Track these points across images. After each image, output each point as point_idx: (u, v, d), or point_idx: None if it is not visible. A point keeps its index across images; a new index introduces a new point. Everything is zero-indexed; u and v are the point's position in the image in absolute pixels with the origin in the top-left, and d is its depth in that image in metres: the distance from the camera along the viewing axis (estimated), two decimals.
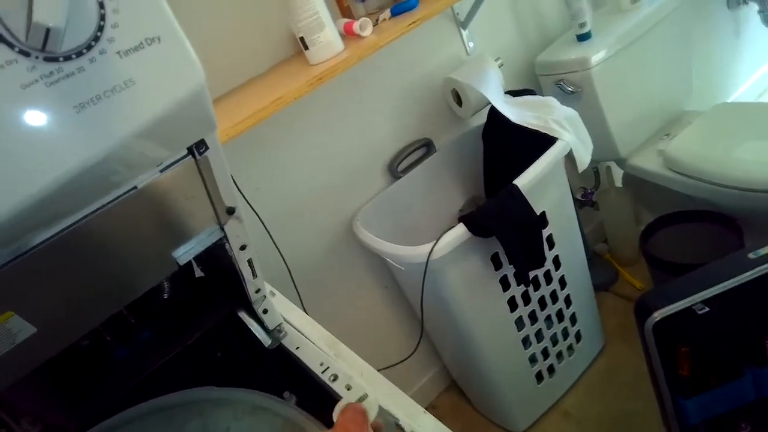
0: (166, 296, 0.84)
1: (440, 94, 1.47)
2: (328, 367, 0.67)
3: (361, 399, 0.57)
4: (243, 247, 0.61)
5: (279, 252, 1.12)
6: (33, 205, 0.31)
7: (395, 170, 1.43)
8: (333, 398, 0.67)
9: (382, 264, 1.46)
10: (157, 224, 0.49)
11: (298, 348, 0.73)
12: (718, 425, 1.07)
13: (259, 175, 1.22)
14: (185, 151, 0.44)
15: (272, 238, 1.09)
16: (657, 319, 0.94)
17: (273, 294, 0.89)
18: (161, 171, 0.42)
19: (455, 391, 1.72)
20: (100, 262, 0.47)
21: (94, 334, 0.72)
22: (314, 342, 0.75)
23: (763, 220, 1.36)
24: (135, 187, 0.41)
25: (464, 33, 1.46)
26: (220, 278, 0.78)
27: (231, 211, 0.54)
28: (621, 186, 1.81)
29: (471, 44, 1.49)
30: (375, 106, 1.37)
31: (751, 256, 0.94)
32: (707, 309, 0.92)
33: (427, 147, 1.48)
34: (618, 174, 1.81)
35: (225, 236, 0.57)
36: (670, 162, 1.48)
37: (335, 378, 0.65)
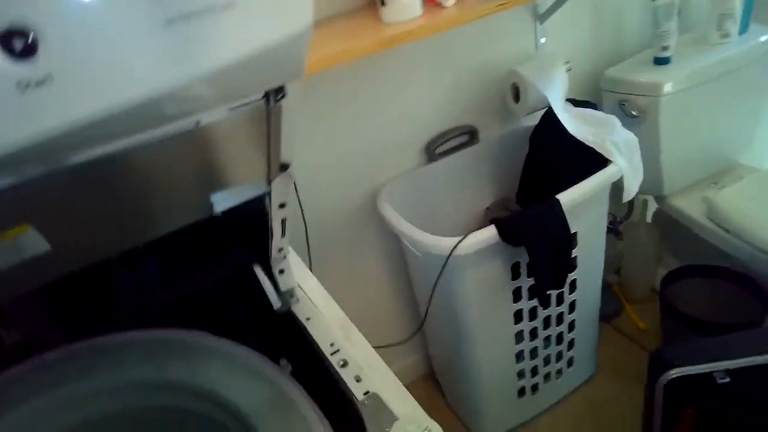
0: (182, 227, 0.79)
1: (498, 85, 1.39)
2: (338, 350, 0.63)
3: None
4: (282, 205, 0.56)
5: (301, 210, 1.07)
6: (91, 123, 0.25)
7: (432, 152, 1.37)
8: (333, 379, 0.63)
9: (395, 242, 1.42)
10: (203, 165, 0.44)
11: (308, 319, 0.68)
12: None
13: (296, 128, 1.16)
14: (261, 94, 0.38)
15: (298, 196, 1.04)
16: (673, 377, 0.90)
17: (288, 251, 0.84)
18: (231, 110, 0.36)
19: (431, 382, 1.70)
20: (132, 192, 0.42)
21: None
22: (324, 316, 0.71)
23: None
24: (198, 122, 0.35)
25: (539, 27, 1.38)
26: (242, 224, 0.73)
27: (285, 167, 0.49)
28: (651, 222, 1.75)
29: (543, 40, 1.40)
30: (428, 82, 1.29)
31: None
32: (728, 379, 0.87)
33: (470, 135, 1.42)
34: (651, 209, 1.74)
35: (269, 192, 0.52)
36: (714, 212, 1.42)
37: (344, 364, 0.61)
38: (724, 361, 0.88)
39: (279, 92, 0.38)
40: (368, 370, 0.60)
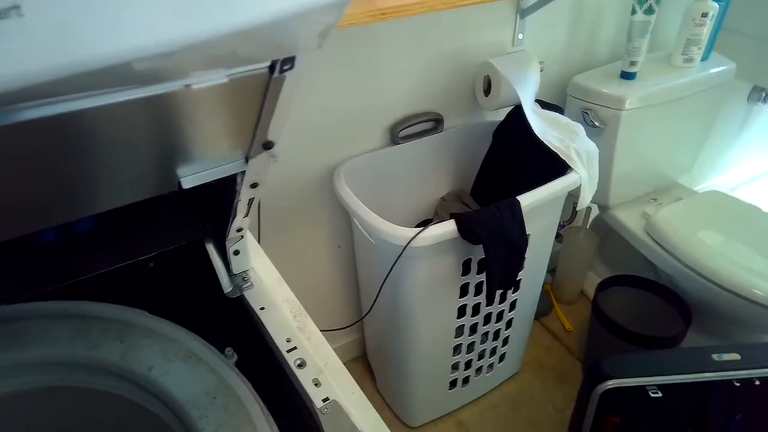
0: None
1: (470, 76, 1.36)
2: (295, 347, 0.58)
3: None
4: (254, 185, 0.50)
5: None
6: (78, 74, 0.18)
7: (396, 134, 1.32)
8: (288, 379, 0.58)
9: (345, 222, 1.37)
10: (178, 134, 0.37)
11: (263, 309, 0.62)
12: None
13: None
14: (267, 63, 0.31)
15: None
16: (609, 387, 0.93)
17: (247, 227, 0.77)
18: (228, 76, 0.30)
19: (362, 364, 1.69)
20: (95, 156, 0.34)
21: None
22: (280, 306, 0.65)
23: (715, 315, 1.40)
24: (188, 85, 0.29)
25: (519, 22, 1.35)
26: (201, 195, 0.66)
27: (269, 146, 0.42)
28: (590, 229, 1.81)
29: (520, 36, 1.38)
30: (401, 64, 1.23)
31: (714, 357, 0.94)
32: (660, 394, 0.91)
33: (435, 123, 1.38)
34: (591, 216, 1.80)
35: (244, 170, 0.45)
36: (652, 228, 1.48)
37: (302, 364, 0.56)
38: (657, 376, 0.91)
39: (287, 63, 0.32)
40: (326, 372, 0.55)
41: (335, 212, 1.34)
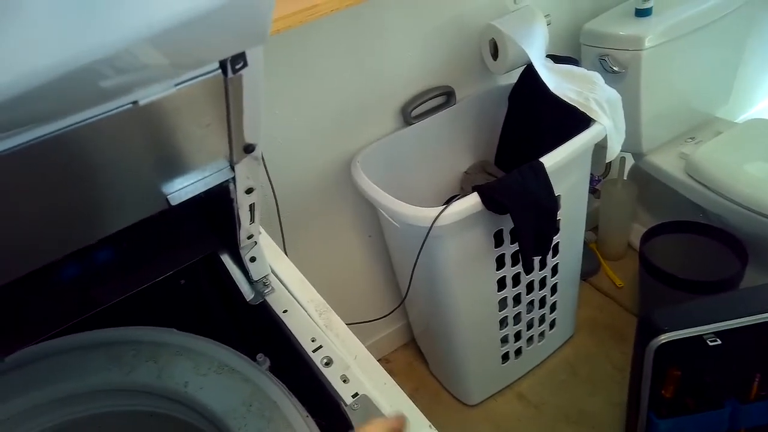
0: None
1: (475, 42, 1.31)
2: (320, 346, 0.57)
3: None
4: (249, 191, 0.49)
5: (272, 186, 0.99)
6: None
7: (408, 115, 1.29)
8: (317, 379, 0.58)
9: (371, 212, 1.35)
10: (155, 150, 0.36)
11: (285, 312, 0.62)
12: None
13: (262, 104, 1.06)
14: (215, 65, 0.30)
15: (267, 171, 0.96)
16: (663, 342, 0.88)
17: (259, 232, 0.77)
18: (176, 86, 0.29)
19: (413, 349, 1.68)
20: (74, 184, 0.34)
21: None
22: (304, 306, 0.65)
23: None
24: (135, 102, 0.28)
25: None
26: (206, 209, 0.66)
27: (250, 149, 0.41)
28: (628, 179, 1.73)
29: None
30: (401, 41, 1.20)
31: None
32: (719, 341, 0.86)
33: (447, 96, 1.34)
34: (628, 166, 1.72)
35: (233, 176, 0.44)
36: (692, 168, 1.40)
37: (329, 363, 0.55)
38: (714, 323, 0.86)
39: (237, 61, 0.31)
40: (354, 367, 0.55)
41: (359, 202, 1.33)
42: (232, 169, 0.43)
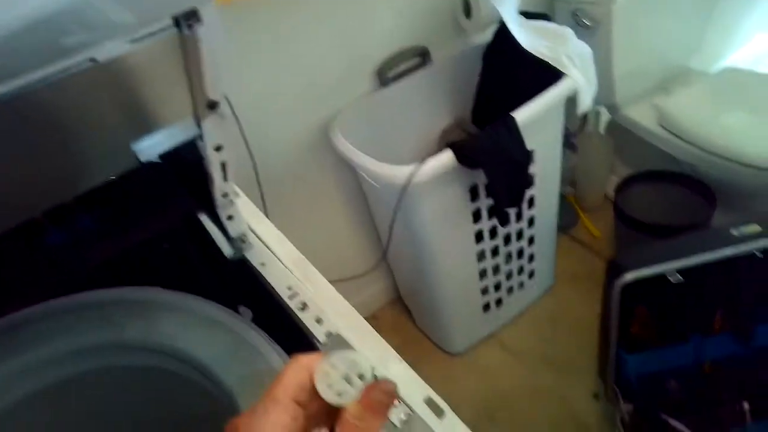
0: (113, 178, 0.73)
1: (448, 1, 1.31)
2: (296, 293, 0.61)
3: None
4: (218, 148, 0.51)
5: (249, 150, 1.01)
6: None
7: (384, 76, 1.30)
8: (294, 324, 0.62)
9: (352, 175, 1.38)
10: (120, 108, 0.38)
11: (263, 264, 0.65)
12: (650, 380, 1.13)
13: (236, 61, 1.06)
14: (169, 21, 0.32)
15: (244, 135, 0.97)
16: (628, 280, 0.93)
17: (237, 195, 0.79)
18: (131, 42, 0.31)
19: (399, 305, 1.74)
20: (45, 142, 0.36)
21: None
22: (281, 259, 0.68)
23: (738, 194, 1.37)
24: (94, 60, 0.30)
25: None
26: (181, 169, 0.68)
27: (213, 106, 0.43)
28: (604, 133, 1.76)
29: None
30: (374, 1, 1.20)
31: (734, 233, 0.93)
32: (681, 279, 0.91)
33: (422, 57, 1.35)
34: (604, 120, 1.75)
35: (201, 134, 0.47)
36: (665, 119, 1.43)
37: (304, 307, 0.59)
38: (677, 261, 0.91)
39: (191, 17, 0.33)
40: (329, 310, 0.58)
41: (340, 165, 1.35)
42: (199, 126, 0.45)
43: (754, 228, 0.93)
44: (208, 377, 0.63)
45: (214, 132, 0.48)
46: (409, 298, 1.65)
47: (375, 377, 0.31)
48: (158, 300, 0.68)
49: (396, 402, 0.34)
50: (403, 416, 0.46)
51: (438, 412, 0.49)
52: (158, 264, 0.71)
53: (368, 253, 1.57)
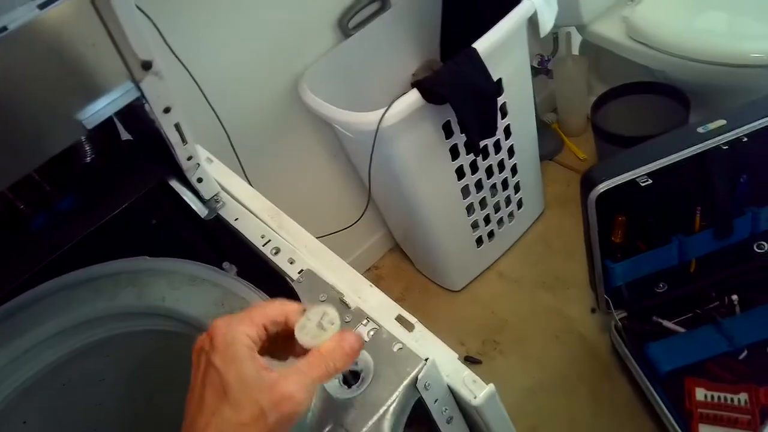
0: (88, 160, 0.76)
1: None
2: (269, 240, 0.64)
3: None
4: (167, 110, 0.53)
5: (216, 116, 1.02)
6: None
7: (346, 27, 1.30)
8: (271, 268, 0.65)
9: (330, 131, 1.39)
10: (52, 77, 0.40)
11: (237, 219, 0.68)
12: (639, 285, 1.17)
13: (193, 30, 1.06)
14: None
15: (208, 101, 0.99)
16: (600, 191, 0.96)
17: (210, 161, 0.82)
18: (39, 7, 0.33)
19: (398, 253, 1.77)
20: None
21: (3, 203, 0.64)
22: (255, 213, 0.71)
23: (713, 95, 1.37)
24: (4, 28, 0.32)
25: None
26: (149, 142, 0.70)
27: (147, 66, 0.45)
28: (578, 54, 1.74)
29: None
30: None
31: (699, 130, 0.94)
32: (650, 181, 0.93)
33: (381, 2, 1.34)
34: (576, 42, 1.73)
35: (143, 96, 0.49)
36: (632, 30, 1.42)
37: (277, 251, 0.62)
38: (645, 165, 0.93)
39: None
40: (302, 252, 0.62)
41: (316, 122, 1.36)
42: (138, 88, 0.47)
43: (720, 123, 0.94)
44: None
45: (156, 93, 0.49)
46: (404, 243, 1.69)
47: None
48: (145, 267, 0.72)
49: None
50: (372, 332, 0.49)
51: (408, 326, 0.52)
52: (143, 234, 0.74)
53: (357, 204, 1.59)
